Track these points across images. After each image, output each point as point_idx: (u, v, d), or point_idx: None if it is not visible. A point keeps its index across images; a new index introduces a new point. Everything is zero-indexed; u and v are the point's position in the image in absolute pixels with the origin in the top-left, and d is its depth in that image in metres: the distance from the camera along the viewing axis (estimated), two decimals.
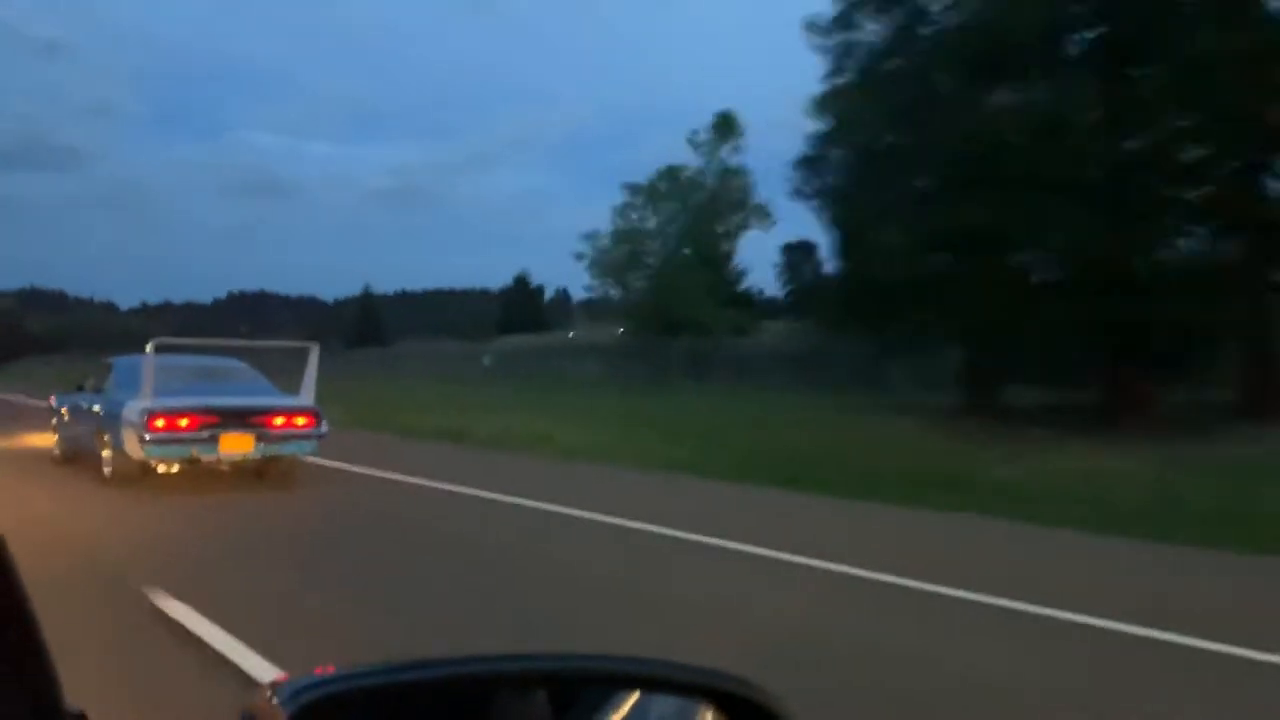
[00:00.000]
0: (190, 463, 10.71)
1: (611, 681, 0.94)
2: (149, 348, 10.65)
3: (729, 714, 0.92)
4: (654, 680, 0.94)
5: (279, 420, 11.03)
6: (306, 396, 11.50)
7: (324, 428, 11.30)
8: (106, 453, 11.23)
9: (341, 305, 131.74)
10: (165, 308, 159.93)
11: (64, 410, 13.07)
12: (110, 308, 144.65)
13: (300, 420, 11.16)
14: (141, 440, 10.29)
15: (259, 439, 10.83)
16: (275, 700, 0.72)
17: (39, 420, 20.09)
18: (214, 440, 10.59)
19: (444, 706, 0.83)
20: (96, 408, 11.57)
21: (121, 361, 12.47)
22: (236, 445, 10.73)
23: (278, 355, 15.12)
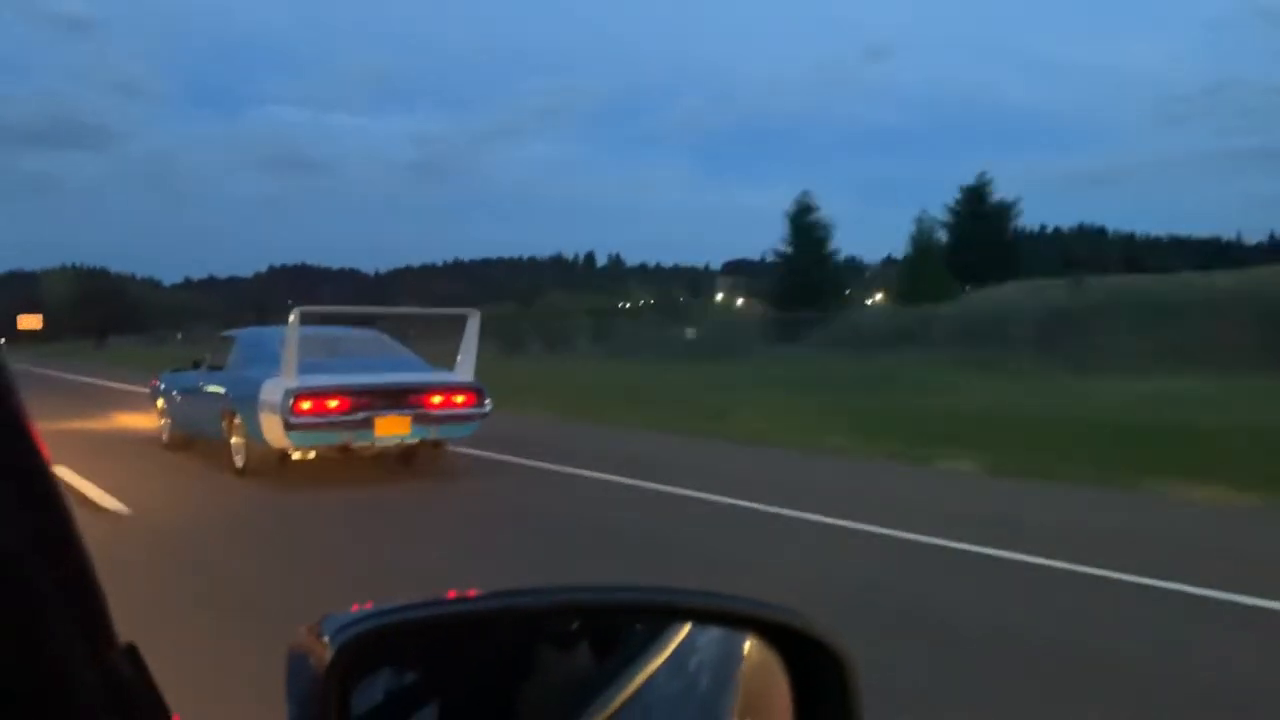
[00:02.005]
0: (341, 450, 9.10)
1: (660, 613, 0.91)
2: (293, 317, 8.99)
3: (783, 650, 0.87)
4: (706, 613, 0.91)
5: (436, 399, 9.39)
6: (465, 371, 9.82)
7: (487, 406, 9.64)
8: (237, 440, 9.64)
9: (385, 278, 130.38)
10: (209, 282, 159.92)
11: (175, 392, 11.48)
12: (155, 284, 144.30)
13: (459, 398, 9.50)
14: (286, 425, 8.68)
15: (415, 421, 9.20)
16: (322, 636, 0.68)
17: (123, 402, 18.83)
18: (368, 424, 8.96)
19: (490, 640, 0.83)
20: (221, 389, 9.97)
21: (247, 335, 10.85)
22: (392, 429, 9.10)
23: (391, 324, 13.40)
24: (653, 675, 0.90)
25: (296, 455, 9.24)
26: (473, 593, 0.78)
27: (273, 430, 8.88)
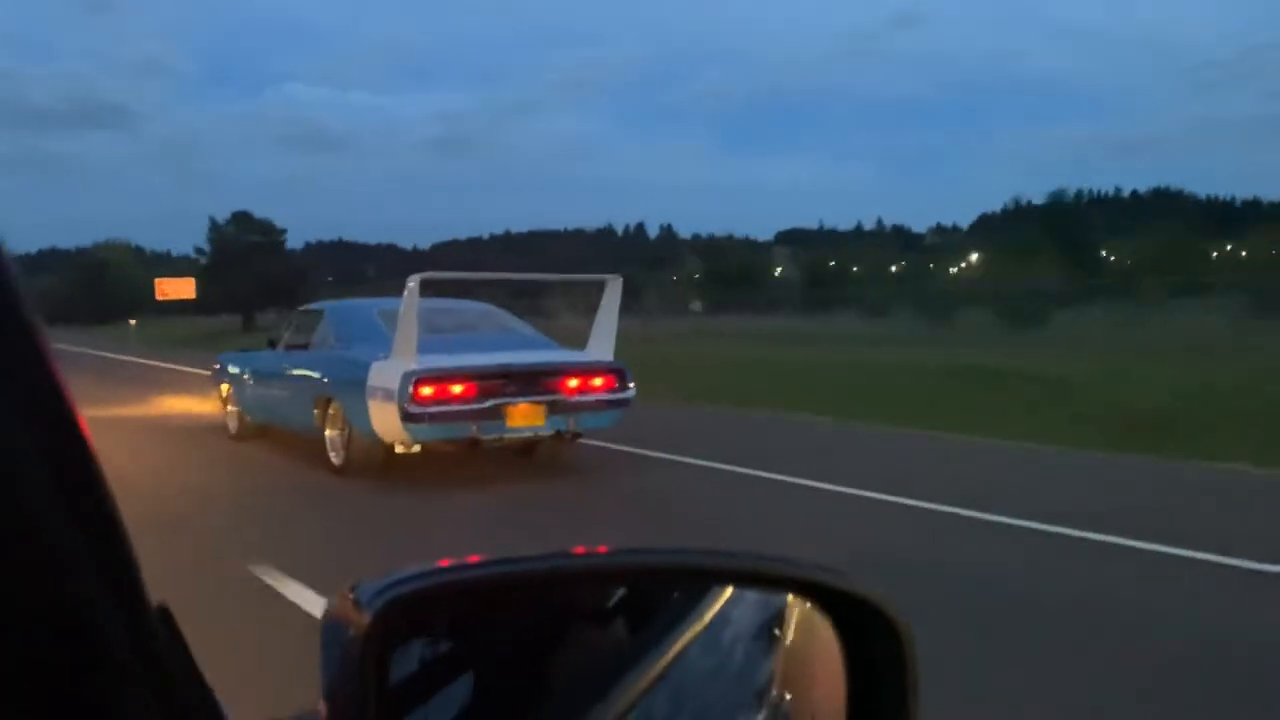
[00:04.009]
0: (471, 444, 7.50)
1: (703, 576, 0.87)
2: (412, 284, 7.35)
3: (836, 617, 0.83)
4: (753, 575, 0.86)
5: (573, 382, 7.75)
6: (603, 348, 8.15)
7: (630, 391, 7.98)
8: (334, 432, 8.06)
9: (429, 253, 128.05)
10: None
11: (246, 375, 9.91)
12: (179, 261, 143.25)
13: (598, 381, 7.86)
14: (404, 415, 7.07)
15: (551, 409, 7.57)
16: (358, 601, 0.65)
17: (176, 384, 17.35)
18: (497, 413, 7.34)
19: (525, 607, 0.80)
20: (313, 372, 8.37)
21: (339, 308, 9.23)
22: (526, 418, 7.47)
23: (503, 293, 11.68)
24: (689, 646, 0.88)
25: (400, 449, 7.67)
26: (514, 555, 0.72)
27: (385, 421, 7.29)
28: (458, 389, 7.26)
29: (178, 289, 52.26)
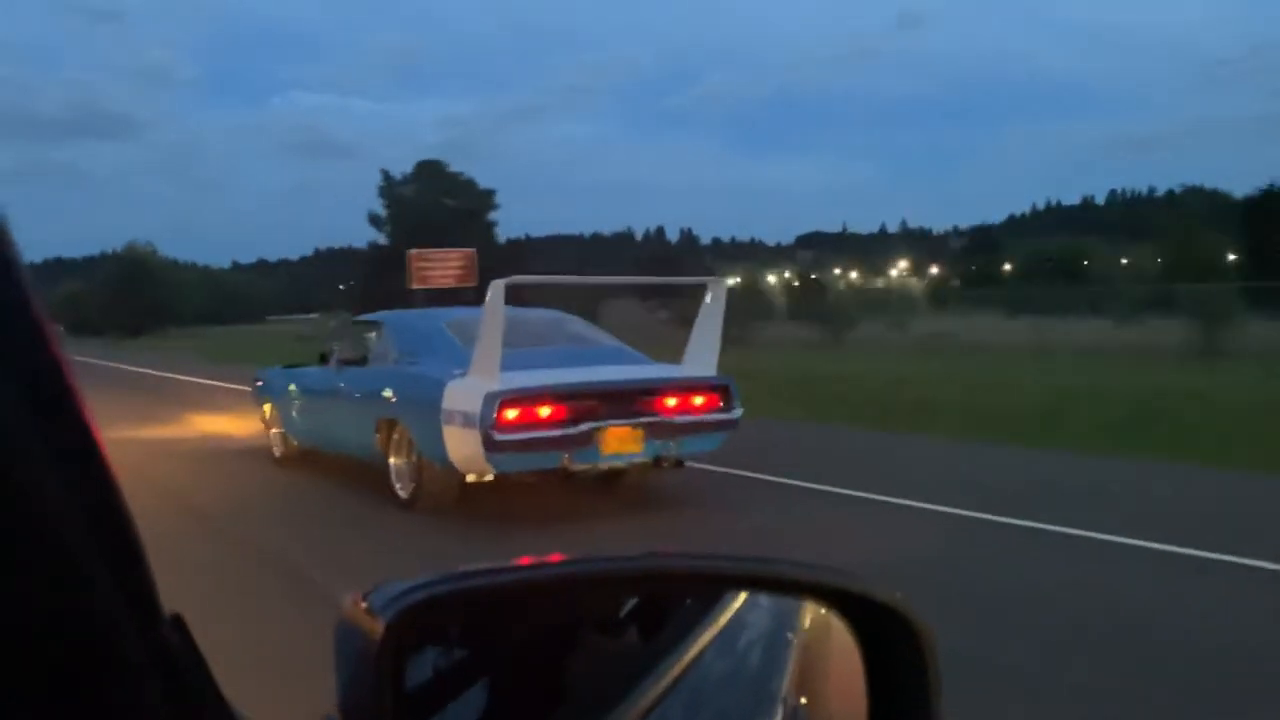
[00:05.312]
0: (564, 475, 6.57)
1: (723, 582, 0.87)
2: (494, 291, 6.40)
3: (856, 623, 0.83)
4: (774, 581, 0.86)
5: (672, 401, 6.81)
6: (704, 363, 7.21)
7: (736, 411, 7.04)
8: (399, 460, 7.15)
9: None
10: (259, 265, 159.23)
11: (292, 394, 9.00)
12: (205, 270, 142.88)
13: (699, 400, 6.92)
14: (488, 443, 6.14)
15: (649, 433, 6.63)
16: (371, 608, 0.65)
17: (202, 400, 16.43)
18: (589, 438, 6.40)
19: (540, 613, 0.80)
20: (374, 391, 7.44)
21: (400, 319, 8.31)
22: (622, 444, 6.54)
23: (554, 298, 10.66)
24: (704, 651, 0.88)
25: (471, 478, 6.75)
26: (523, 560, 0.74)
27: (463, 449, 6.36)
28: (545, 411, 6.33)
29: (445, 270, 29.40)
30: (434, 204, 43.52)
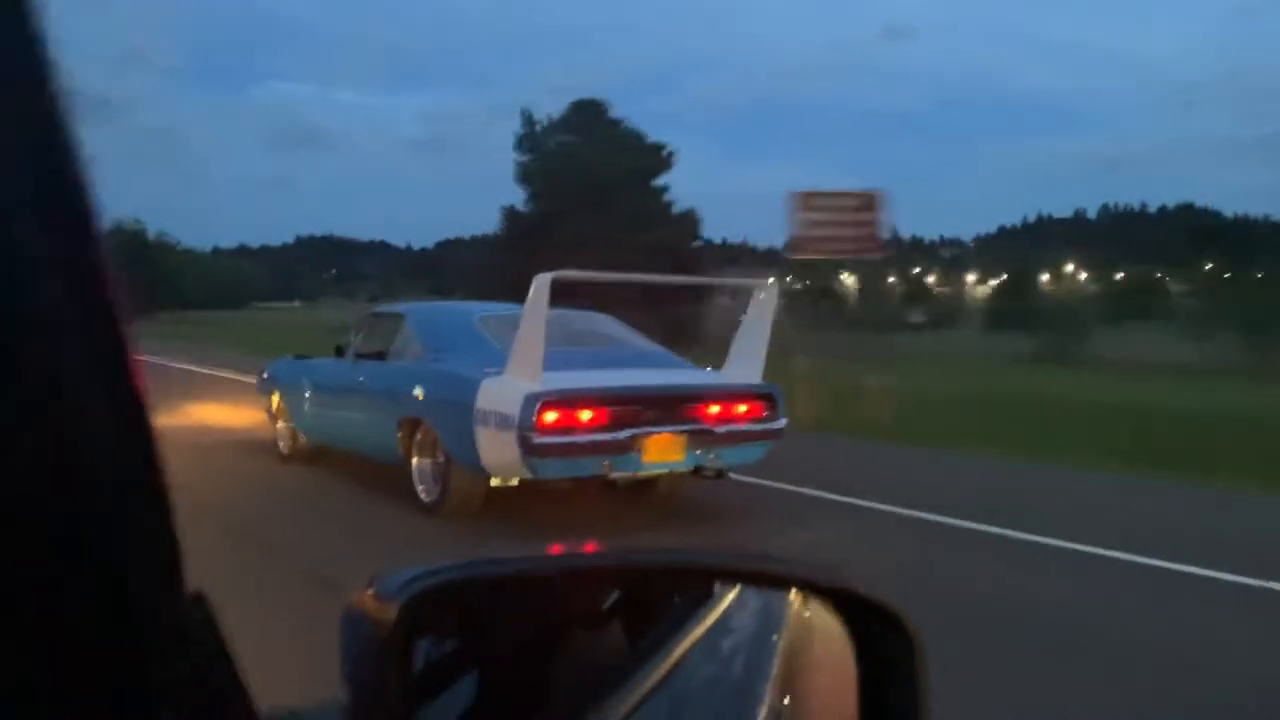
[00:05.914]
0: (607, 483, 6.24)
1: (711, 575, 0.89)
2: (538, 285, 6.06)
3: (849, 620, 0.84)
4: (770, 577, 0.88)
5: (714, 409, 6.49)
6: (749, 369, 6.88)
7: (781, 420, 6.72)
8: (423, 461, 6.78)
9: (431, 251, 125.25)
10: (241, 251, 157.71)
11: (304, 388, 8.60)
12: (190, 253, 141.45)
13: (742, 408, 6.59)
14: (527, 447, 5.79)
15: (691, 440, 6.30)
16: (382, 593, 0.65)
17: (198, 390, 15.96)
18: (631, 445, 6.06)
19: (551, 598, 0.80)
20: (398, 388, 7.05)
21: (425, 311, 7.91)
22: (664, 452, 6.20)
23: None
24: (690, 650, 0.88)
25: (496, 482, 6.40)
26: (533, 553, 0.75)
27: (498, 452, 6.01)
28: (587, 415, 5.98)
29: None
30: (601, 158, 31.23)
